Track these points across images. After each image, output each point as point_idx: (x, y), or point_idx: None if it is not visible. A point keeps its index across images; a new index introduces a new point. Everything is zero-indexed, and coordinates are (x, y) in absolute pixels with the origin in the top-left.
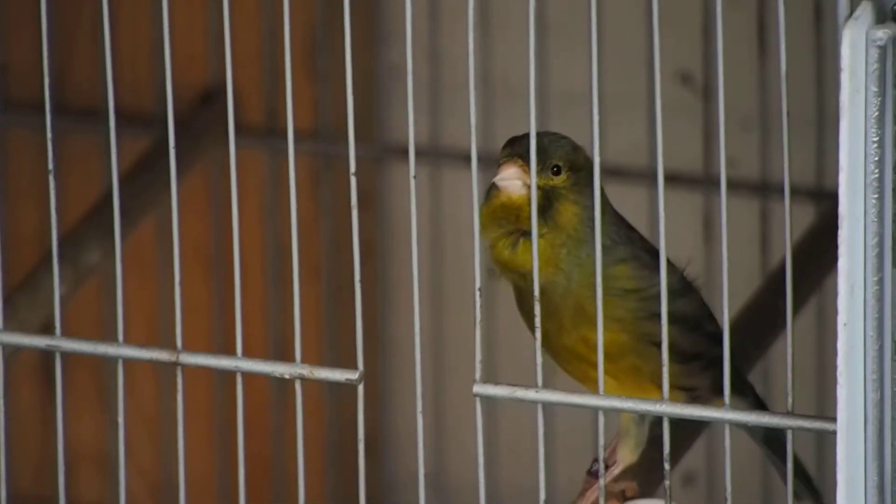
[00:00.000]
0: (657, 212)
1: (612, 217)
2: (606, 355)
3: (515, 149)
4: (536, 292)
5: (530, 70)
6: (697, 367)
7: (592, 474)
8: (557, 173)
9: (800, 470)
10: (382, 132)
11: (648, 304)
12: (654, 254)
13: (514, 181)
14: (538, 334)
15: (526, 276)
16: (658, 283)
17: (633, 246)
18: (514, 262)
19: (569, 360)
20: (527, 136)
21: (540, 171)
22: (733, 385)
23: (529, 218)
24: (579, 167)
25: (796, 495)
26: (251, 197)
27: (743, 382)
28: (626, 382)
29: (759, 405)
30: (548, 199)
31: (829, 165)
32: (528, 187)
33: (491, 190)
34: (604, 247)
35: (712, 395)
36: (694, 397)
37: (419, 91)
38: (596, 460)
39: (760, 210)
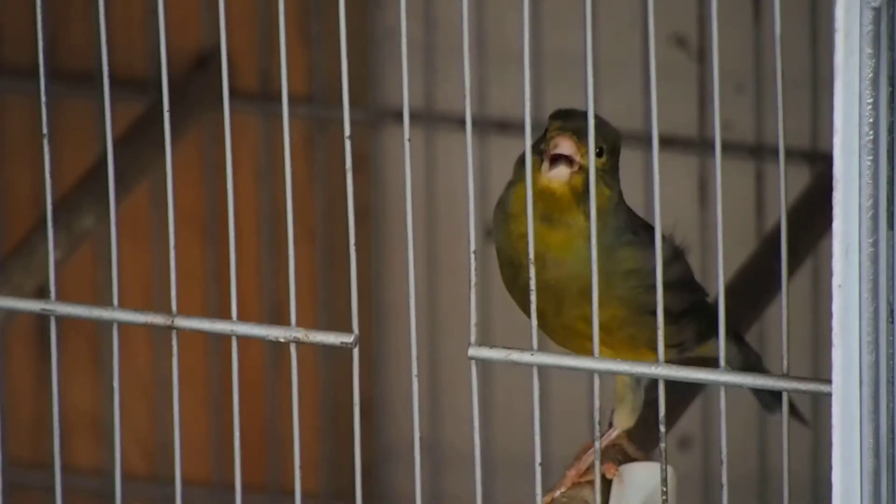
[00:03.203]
0: (652, 175)
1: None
2: (605, 329)
3: (568, 123)
4: (531, 254)
5: (524, 33)
6: (686, 323)
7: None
8: (599, 155)
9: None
10: (377, 96)
11: (646, 277)
12: (647, 228)
13: (562, 170)
14: (533, 297)
15: (546, 261)
16: (654, 258)
17: (633, 223)
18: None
19: (565, 336)
20: (575, 111)
21: (585, 152)
22: (717, 331)
23: (566, 206)
24: (617, 151)
25: (767, 407)
26: (245, 161)
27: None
28: (621, 351)
29: (741, 342)
30: (584, 185)
31: (823, 127)
32: (576, 172)
33: (519, 166)
34: (616, 228)
35: (697, 344)
36: (681, 351)
37: (414, 54)
38: (611, 423)
39: (755, 172)
